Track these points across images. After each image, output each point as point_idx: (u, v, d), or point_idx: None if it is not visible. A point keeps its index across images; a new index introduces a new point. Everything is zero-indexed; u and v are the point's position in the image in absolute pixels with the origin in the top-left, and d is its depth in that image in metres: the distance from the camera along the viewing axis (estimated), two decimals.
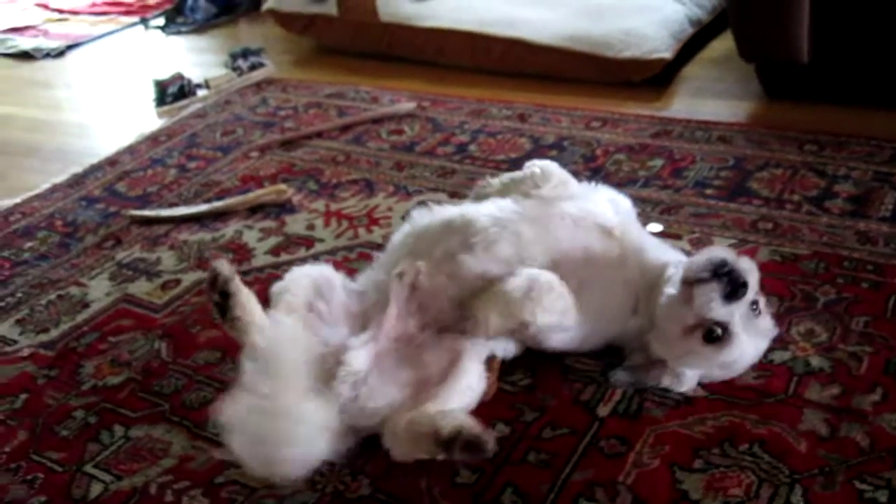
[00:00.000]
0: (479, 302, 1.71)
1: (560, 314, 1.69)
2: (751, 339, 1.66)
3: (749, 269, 1.65)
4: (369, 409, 1.65)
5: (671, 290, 1.68)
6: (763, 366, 1.77)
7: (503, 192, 1.95)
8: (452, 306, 1.76)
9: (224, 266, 1.73)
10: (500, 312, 1.68)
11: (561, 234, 1.79)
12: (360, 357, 1.67)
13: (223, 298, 1.72)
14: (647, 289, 1.76)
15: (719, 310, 1.61)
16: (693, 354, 1.67)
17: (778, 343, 1.79)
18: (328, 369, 1.66)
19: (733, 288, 1.60)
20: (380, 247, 2.23)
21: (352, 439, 1.66)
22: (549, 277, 1.68)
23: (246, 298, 1.74)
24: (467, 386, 1.68)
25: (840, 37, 2.73)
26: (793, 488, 1.51)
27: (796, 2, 2.68)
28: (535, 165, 1.93)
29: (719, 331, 1.62)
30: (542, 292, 1.66)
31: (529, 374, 1.85)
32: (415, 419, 1.58)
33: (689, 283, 1.63)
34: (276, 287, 1.82)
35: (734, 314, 1.62)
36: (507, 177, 2.00)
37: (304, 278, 1.82)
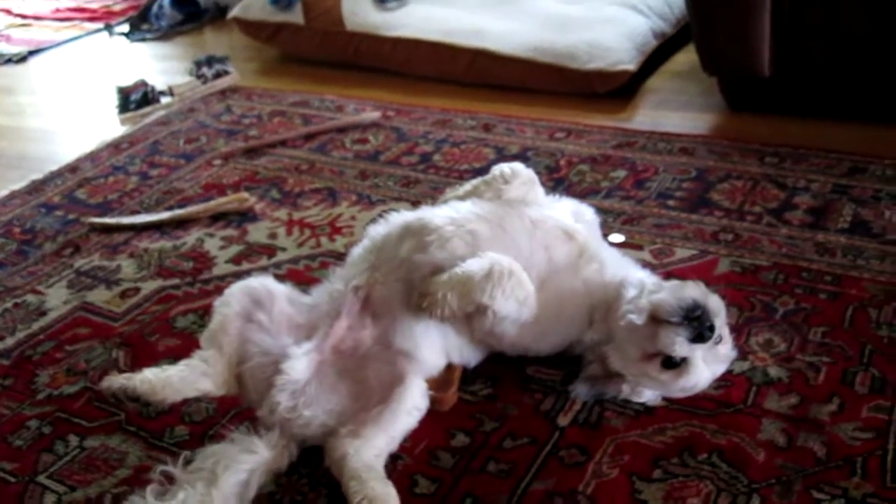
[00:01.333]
0: (438, 281, 1.69)
1: (519, 303, 1.68)
2: (710, 366, 1.67)
3: (717, 310, 1.65)
4: (305, 418, 1.64)
5: (633, 317, 1.66)
6: (722, 376, 1.78)
7: (469, 195, 1.95)
8: (405, 314, 1.75)
9: (112, 383, 1.69)
10: (459, 292, 1.66)
11: (519, 235, 1.78)
12: (298, 366, 1.66)
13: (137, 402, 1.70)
14: (605, 303, 1.76)
15: (682, 348, 1.61)
16: (650, 378, 1.68)
17: (737, 354, 1.80)
18: (266, 378, 1.66)
19: (700, 333, 1.60)
20: (342, 256, 2.22)
21: (294, 449, 1.66)
22: (511, 264, 1.68)
23: (149, 383, 1.67)
24: (413, 406, 1.68)
25: (800, 51, 2.76)
26: (751, 498, 1.52)
27: (757, 17, 2.71)
28: (504, 166, 1.94)
29: (678, 360, 1.63)
30: (503, 276, 1.65)
31: (490, 383, 1.84)
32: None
33: (657, 320, 1.63)
34: (216, 301, 1.82)
35: (696, 351, 1.63)
36: (475, 181, 1.99)
37: (240, 290, 1.82)
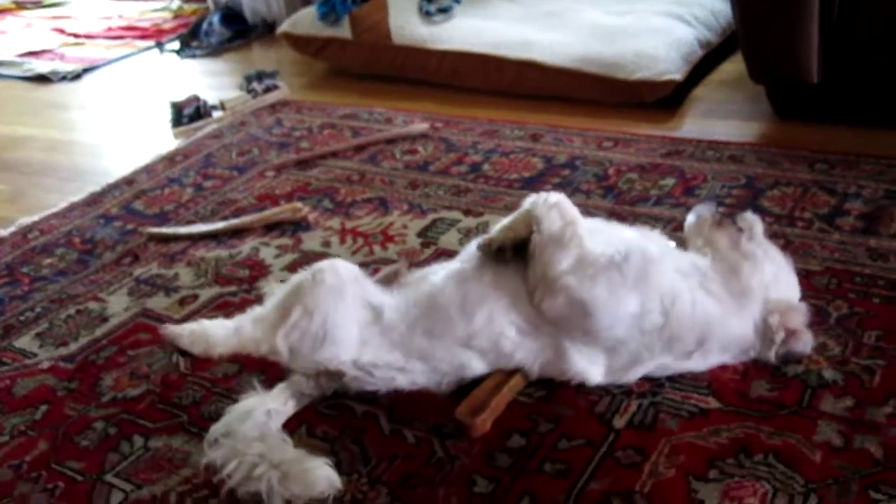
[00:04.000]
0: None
1: (564, 221, 1.83)
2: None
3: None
4: None
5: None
6: (776, 379, 1.79)
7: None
8: None
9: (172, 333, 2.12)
10: (512, 220, 1.90)
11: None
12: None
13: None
14: None
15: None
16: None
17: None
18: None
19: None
20: (394, 262, 2.27)
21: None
22: (556, 194, 1.90)
23: (199, 337, 2.09)
24: None
25: (849, 58, 2.76)
26: (808, 498, 1.52)
27: (806, 25, 2.71)
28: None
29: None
30: (548, 200, 1.87)
31: (544, 386, 1.86)
32: None
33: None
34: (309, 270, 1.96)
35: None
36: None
37: (344, 266, 1.96)
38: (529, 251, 1.85)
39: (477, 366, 1.85)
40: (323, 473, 1.65)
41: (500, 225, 1.94)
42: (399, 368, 1.85)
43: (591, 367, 1.81)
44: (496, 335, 1.82)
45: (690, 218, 2.05)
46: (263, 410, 1.78)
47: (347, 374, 1.85)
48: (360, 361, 1.85)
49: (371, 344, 1.87)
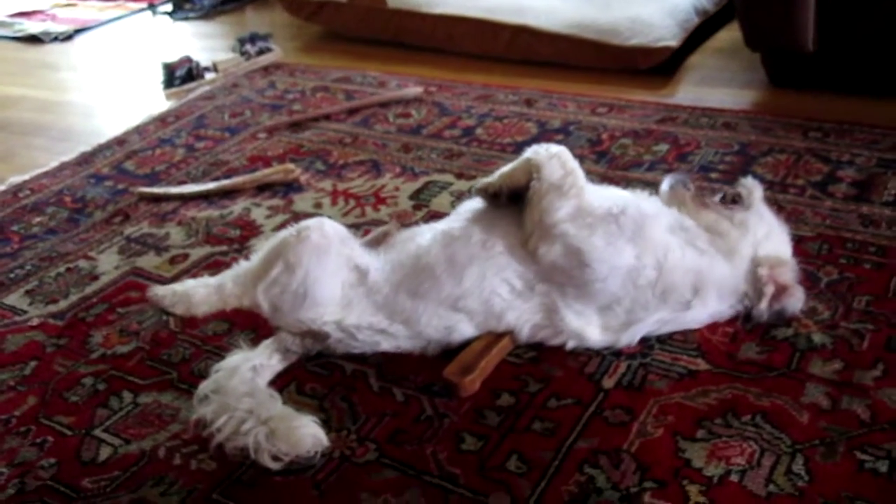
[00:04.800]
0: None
1: (564, 171, 1.84)
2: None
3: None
4: None
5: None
6: (766, 341, 1.80)
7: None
8: None
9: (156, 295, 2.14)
10: (512, 167, 1.90)
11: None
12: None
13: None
14: None
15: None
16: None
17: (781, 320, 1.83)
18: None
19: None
20: (385, 224, 2.26)
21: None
22: (556, 146, 1.91)
23: (181, 298, 2.11)
24: None
25: (845, 26, 2.75)
26: (794, 457, 1.53)
27: None
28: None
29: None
30: (550, 150, 1.88)
31: (534, 348, 1.86)
32: None
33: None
34: (295, 227, 1.96)
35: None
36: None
37: (330, 225, 1.96)
38: (527, 197, 1.85)
39: (465, 328, 1.85)
40: (309, 431, 1.65)
41: (499, 171, 1.94)
42: (381, 331, 1.85)
43: (586, 327, 1.82)
44: (487, 294, 1.82)
45: (664, 187, 2.05)
46: (249, 366, 1.79)
47: (331, 335, 1.85)
48: (343, 323, 1.85)
49: (355, 305, 1.87)
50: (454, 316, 1.84)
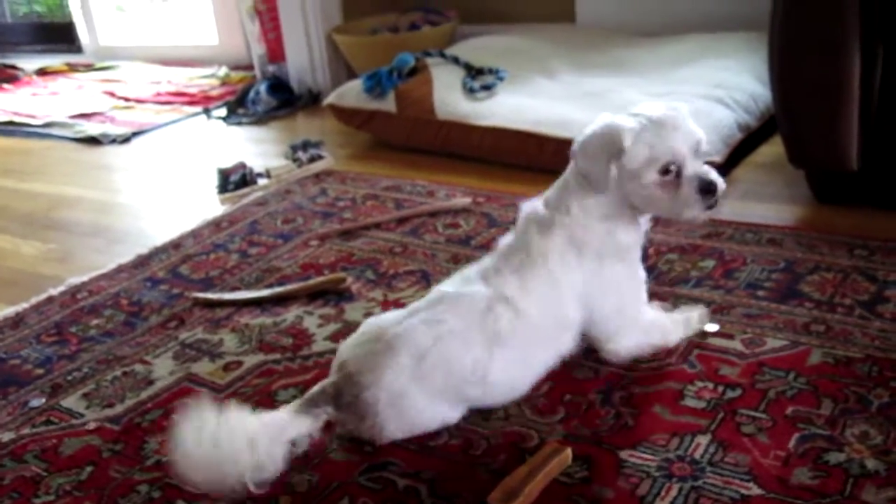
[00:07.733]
0: None
1: None
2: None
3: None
4: None
5: None
6: (818, 466, 1.80)
7: None
8: None
9: None
10: None
11: None
12: None
13: None
14: None
15: None
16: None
17: (833, 445, 1.82)
18: None
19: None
20: None
21: None
22: None
23: None
24: None
25: (889, 145, 2.79)
26: None
27: (846, 111, 2.76)
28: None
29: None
30: None
31: (585, 466, 1.88)
32: None
33: None
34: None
35: None
36: None
37: None
38: None
39: None
40: None
41: None
42: None
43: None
44: None
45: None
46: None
47: None
48: None
49: None
50: None
